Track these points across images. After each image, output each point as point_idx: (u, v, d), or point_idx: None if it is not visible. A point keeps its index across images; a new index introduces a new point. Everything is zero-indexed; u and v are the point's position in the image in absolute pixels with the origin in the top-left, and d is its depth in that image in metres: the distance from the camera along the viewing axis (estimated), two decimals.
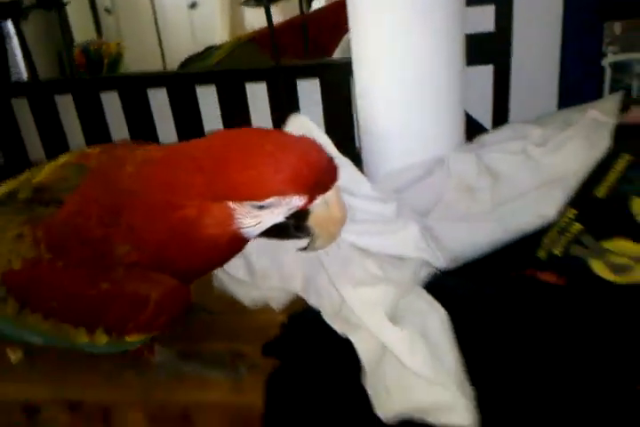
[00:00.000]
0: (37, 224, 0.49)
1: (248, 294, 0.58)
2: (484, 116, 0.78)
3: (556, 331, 0.46)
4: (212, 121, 0.89)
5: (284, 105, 0.80)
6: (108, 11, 1.07)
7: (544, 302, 0.50)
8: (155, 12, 1.03)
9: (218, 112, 0.88)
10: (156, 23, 1.02)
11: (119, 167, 0.48)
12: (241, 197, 0.43)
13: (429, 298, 0.47)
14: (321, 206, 0.45)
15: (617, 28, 0.70)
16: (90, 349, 0.52)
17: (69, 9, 1.01)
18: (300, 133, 0.50)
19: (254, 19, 1.01)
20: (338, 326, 0.47)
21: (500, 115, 0.78)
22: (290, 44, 0.94)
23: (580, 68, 0.72)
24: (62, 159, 0.53)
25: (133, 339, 0.50)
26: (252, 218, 0.44)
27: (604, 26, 0.70)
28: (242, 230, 0.45)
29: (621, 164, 0.56)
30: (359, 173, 0.57)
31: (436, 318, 0.44)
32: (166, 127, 0.91)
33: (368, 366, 0.44)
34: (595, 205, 0.55)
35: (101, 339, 0.50)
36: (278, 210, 0.45)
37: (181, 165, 0.44)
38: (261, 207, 0.44)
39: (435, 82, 0.62)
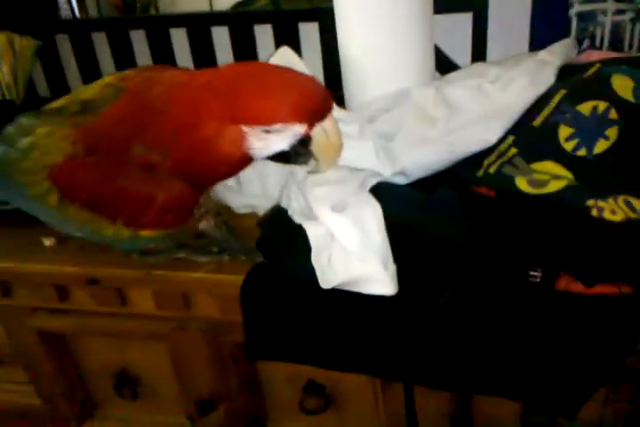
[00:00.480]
0: (79, 128, 0.58)
1: (235, 200, 0.70)
2: (466, 57, 0.87)
3: (478, 226, 0.57)
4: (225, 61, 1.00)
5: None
6: None
7: (476, 206, 0.60)
8: None
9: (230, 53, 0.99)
10: None
11: (150, 87, 0.57)
12: (252, 122, 0.52)
13: (369, 196, 0.58)
14: (320, 133, 0.53)
15: None
16: (115, 243, 0.63)
17: None
18: (284, 64, 0.60)
19: None
20: (297, 219, 0.59)
21: (479, 58, 0.86)
22: None
23: (548, 17, 0.79)
24: (105, 80, 0.63)
25: (148, 234, 0.59)
26: (261, 141, 0.53)
27: None
28: (251, 151, 0.54)
29: (557, 98, 0.64)
30: None
31: (370, 210, 0.55)
32: (186, 64, 1.02)
33: (315, 247, 0.56)
34: (530, 133, 0.63)
35: (122, 232, 0.59)
36: (283, 135, 0.53)
37: (202, 91, 0.54)
38: (268, 132, 0.53)
39: (405, 23, 0.71)
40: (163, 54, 1.01)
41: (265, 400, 0.80)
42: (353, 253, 0.53)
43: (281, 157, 0.56)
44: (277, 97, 0.52)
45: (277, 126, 0.52)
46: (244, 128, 0.53)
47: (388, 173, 0.62)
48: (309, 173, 0.60)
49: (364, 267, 0.53)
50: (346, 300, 0.58)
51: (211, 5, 1.01)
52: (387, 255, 0.54)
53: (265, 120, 0.52)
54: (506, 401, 0.69)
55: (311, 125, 0.53)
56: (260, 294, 0.62)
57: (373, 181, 0.61)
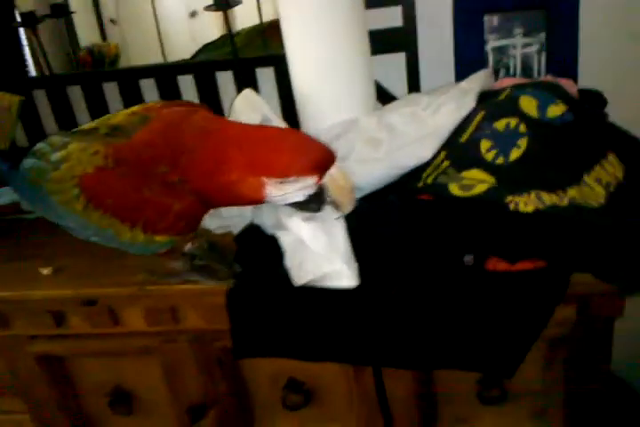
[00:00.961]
0: (109, 146, 0.66)
1: (213, 222, 0.80)
2: (402, 89, 1.01)
3: (419, 227, 0.68)
4: None
5: None
6: (112, 21, 1.18)
7: (416, 209, 0.72)
8: (157, 21, 1.14)
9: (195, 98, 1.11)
10: (159, 32, 1.13)
11: (180, 123, 0.68)
12: (270, 174, 0.62)
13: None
14: (330, 181, 0.64)
15: (494, 20, 0.92)
16: (129, 248, 0.69)
17: (77, 19, 1.16)
18: (248, 104, 0.72)
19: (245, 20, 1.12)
20: (270, 231, 0.69)
21: (414, 90, 0.99)
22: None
23: (469, 52, 0.93)
24: (132, 109, 0.72)
25: (161, 239, 0.67)
26: (278, 190, 0.63)
27: (485, 19, 0.92)
28: (269, 198, 0.64)
29: (478, 118, 0.77)
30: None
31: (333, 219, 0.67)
32: None
33: (288, 252, 0.66)
34: (458, 148, 0.75)
35: (139, 236, 0.67)
36: (298, 186, 0.63)
37: (231, 143, 0.64)
38: (283, 182, 0.62)
39: (348, 64, 0.84)
40: (135, 103, 1.11)
41: (250, 401, 0.88)
42: (321, 254, 0.64)
43: (296, 205, 0.66)
44: (291, 154, 0.63)
45: (291, 178, 0.62)
46: (264, 179, 0.63)
47: None
48: (336, 219, 0.68)
49: (330, 266, 0.64)
50: (316, 297, 0.68)
51: (164, 56, 1.14)
52: (349, 255, 0.65)
53: (281, 174, 0.62)
54: (462, 378, 0.80)
55: (321, 176, 0.63)
56: (243, 299, 0.71)
57: None
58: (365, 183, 0.77)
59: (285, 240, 0.67)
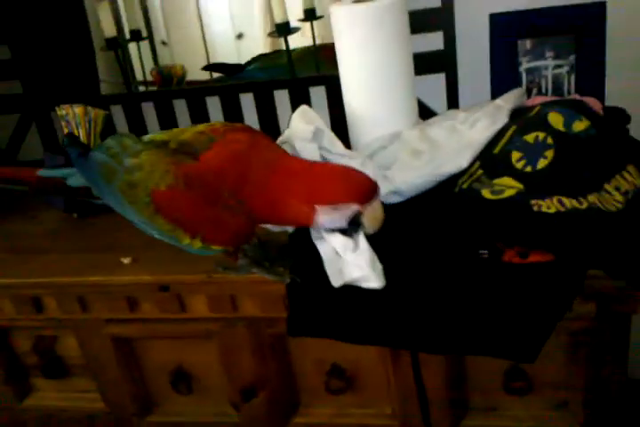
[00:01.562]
0: (180, 165, 0.74)
1: None
2: (442, 107, 1.10)
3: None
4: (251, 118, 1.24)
5: None
6: (164, 43, 1.29)
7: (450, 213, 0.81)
8: (205, 43, 1.24)
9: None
10: (207, 53, 1.24)
11: (245, 153, 0.75)
12: (323, 202, 0.71)
13: None
14: (369, 210, 0.71)
15: (527, 44, 1.01)
16: (187, 249, 0.78)
17: (133, 46, 1.28)
18: (304, 119, 0.83)
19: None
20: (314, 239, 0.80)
21: (453, 107, 1.09)
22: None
23: (503, 73, 1.02)
24: (200, 128, 0.79)
25: (216, 248, 0.77)
26: (326, 215, 0.71)
27: (518, 43, 1.01)
28: (316, 224, 0.72)
29: (510, 132, 0.85)
30: (337, 139, 0.89)
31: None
32: None
33: (326, 260, 0.77)
34: (491, 158, 0.84)
35: (197, 244, 0.76)
36: (343, 213, 0.70)
37: (291, 178, 0.72)
38: (334, 209, 0.70)
39: (393, 84, 0.94)
40: (200, 118, 1.24)
41: (297, 384, 0.97)
42: (350, 262, 0.75)
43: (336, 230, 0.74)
44: (343, 184, 0.71)
45: (340, 205, 0.70)
46: (317, 206, 0.71)
47: (383, 191, 0.83)
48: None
49: (359, 271, 0.75)
50: (358, 289, 0.78)
51: (211, 75, 1.26)
52: (373, 260, 0.75)
53: (333, 201, 0.71)
54: (491, 370, 0.88)
55: (363, 205, 0.71)
56: (299, 289, 0.81)
57: None
58: (406, 189, 0.87)
59: (322, 249, 0.78)
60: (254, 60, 1.25)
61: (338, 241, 0.77)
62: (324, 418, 0.99)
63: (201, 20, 1.24)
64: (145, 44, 1.29)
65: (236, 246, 0.82)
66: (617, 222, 0.72)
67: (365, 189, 0.71)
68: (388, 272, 0.77)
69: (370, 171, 0.84)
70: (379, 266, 0.76)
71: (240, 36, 1.24)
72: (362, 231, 0.74)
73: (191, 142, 0.77)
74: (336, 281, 0.77)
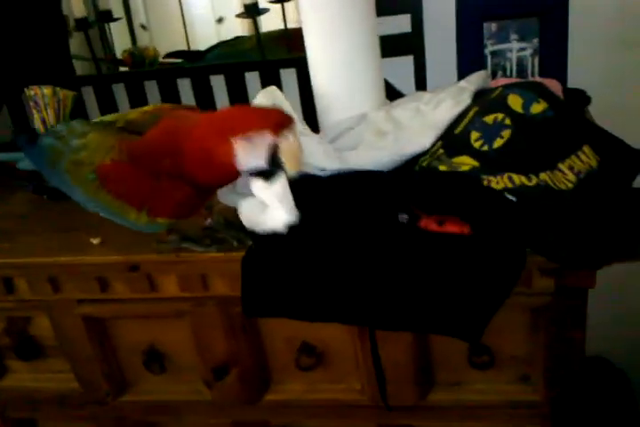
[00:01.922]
0: (124, 141, 0.78)
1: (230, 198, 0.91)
2: (410, 89, 1.12)
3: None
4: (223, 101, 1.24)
5: None
6: (143, 27, 1.30)
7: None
8: (185, 27, 1.25)
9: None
10: (187, 37, 1.25)
11: (180, 122, 0.78)
12: (236, 134, 0.70)
13: None
14: (285, 144, 0.70)
15: (492, 26, 1.03)
16: (134, 226, 0.80)
17: (111, 25, 1.28)
18: (270, 100, 0.83)
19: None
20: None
21: (421, 89, 1.11)
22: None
23: (469, 56, 1.04)
24: (145, 108, 0.84)
25: (162, 221, 0.79)
26: (245, 151, 0.71)
27: (484, 25, 1.03)
28: (238, 163, 0.72)
29: (471, 113, 0.87)
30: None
31: None
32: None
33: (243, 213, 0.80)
34: (452, 138, 0.86)
35: (143, 218, 0.78)
36: (259, 145, 0.70)
37: (202, 124, 0.74)
38: (248, 140, 0.70)
39: (359, 65, 0.95)
40: (171, 100, 1.25)
41: (268, 362, 0.99)
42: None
43: (257, 174, 0.75)
44: (253, 117, 0.73)
45: (254, 135, 0.70)
46: (232, 140, 0.71)
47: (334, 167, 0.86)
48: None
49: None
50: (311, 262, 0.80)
51: (187, 40, 1.25)
52: (286, 195, 0.77)
53: (245, 130, 0.71)
54: (454, 345, 0.90)
55: (276, 134, 0.71)
56: (255, 264, 0.83)
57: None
58: (372, 168, 0.88)
59: (242, 205, 0.81)
60: (214, 46, 1.27)
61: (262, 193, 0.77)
62: (295, 394, 1.01)
63: (181, 4, 1.24)
64: (124, 27, 1.29)
65: (180, 219, 0.82)
66: (563, 200, 0.75)
67: (277, 118, 0.71)
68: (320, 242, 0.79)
69: (325, 150, 0.86)
70: (290, 201, 0.76)
71: (220, 20, 1.25)
72: (283, 175, 0.74)
73: (137, 121, 0.81)
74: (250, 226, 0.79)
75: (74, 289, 0.95)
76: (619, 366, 1.36)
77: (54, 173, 0.84)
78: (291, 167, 0.72)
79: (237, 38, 1.26)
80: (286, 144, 0.71)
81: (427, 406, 0.96)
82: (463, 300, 0.75)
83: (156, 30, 1.30)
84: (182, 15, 1.25)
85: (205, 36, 1.28)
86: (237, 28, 1.26)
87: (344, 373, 0.98)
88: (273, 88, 0.95)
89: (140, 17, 1.29)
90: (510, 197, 0.76)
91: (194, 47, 1.27)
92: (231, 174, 0.77)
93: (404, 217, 0.77)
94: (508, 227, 0.74)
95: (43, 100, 1.02)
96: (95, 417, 1.11)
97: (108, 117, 0.86)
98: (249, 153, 0.72)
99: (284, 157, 0.72)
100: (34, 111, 1.03)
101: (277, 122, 0.71)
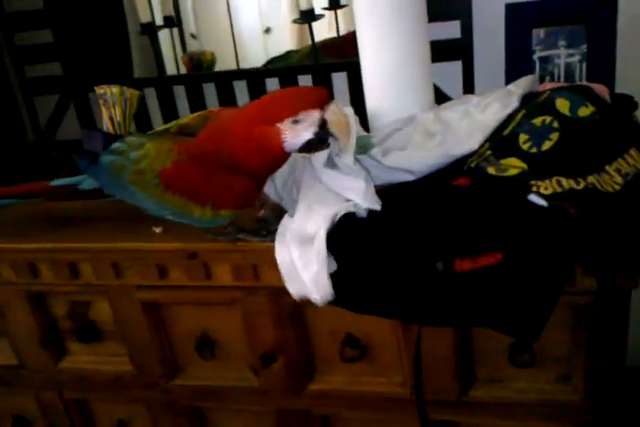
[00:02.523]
0: (180, 143, 0.84)
1: None
2: (459, 93, 1.15)
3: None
4: None
5: None
6: (193, 36, 1.36)
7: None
8: (233, 37, 1.30)
9: None
10: (235, 46, 1.30)
11: (227, 117, 0.84)
12: (282, 118, 0.75)
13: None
14: (330, 114, 0.75)
15: (541, 33, 1.05)
16: (199, 223, 0.87)
17: (161, 34, 1.35)
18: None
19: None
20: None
21: (468, 93, 1.13)
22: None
23: (518, 61, 1.07)
24: (198, 113, 0.91)
25: (226, 213, 0.85)
26: (292, 131, 0.76)
27: (532, 32, 1.05)
28: (286, 143, 0.77)
29: (519, 116, 0.90)
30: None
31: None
32: None
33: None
34: (500, 140, 0.89)
35: (207, 213, 0.84)
36: (307, 124, 0.75)
37: (250, 116, 0.79)
38: (296, 122, 0.75)
39: (411, 70, 0.99)
40: (227, 101, 1.31)
41: (313, 352, 1.03)
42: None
43: (307, 148, 0.79)
44: (294, 98, 0.78)
45: (300, 116, 0.75)
46: (278, 125, 0.77)
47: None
48: (336, 155, 0.83)
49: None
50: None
51: (237, 63, 1.32)
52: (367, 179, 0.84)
53: (290, 114, 0.76)
54: (496, 343, 0.93)
55: (322, 109, 0.75)
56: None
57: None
58: (419, 168, 0.92)
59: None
60: (268, 62, 1.32)
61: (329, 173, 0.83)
62: (338, 385, 1.04)
63: (230, 14, 1.30)
64: (175, 37, 1.36)
65: (241, 209, 0.87)
66: (613, 203, 0.77)
67: (316, 94, 0.76)
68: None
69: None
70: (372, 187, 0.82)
71: (268, 31, 1.31)
72: (337, 146, 0.78)
73: (190, 124, 0.87)
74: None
75: (134, 275, 1.02)
76: None
77: (119, 187, 0.90)
78: (343, 140, 0.77)
79: (288, 53, 1.31)
80: (331, 114, 0.75)
81: (467, 402, 0.99)
82: (522, 301, 0.78)
83: (206, 39, 1.36)
84: (231, 25, 1.30)
85: (253, 46, 1.33)
86: (285, 38, 1.31)
87: (387, 366, 1.01)
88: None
89: (190, 26, 1.35)
90: (541, 201, 0.79)
91: (242, 57, 1.32)
92: (280, 158, 0.83)
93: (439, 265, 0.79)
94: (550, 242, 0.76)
95: (112, 98, 1.10)
96: (146, 400, 1.17)
97: (162, 127, 0.92)
98: (297, 134, 0.77)
99: (334, 129, 0.76)
100: (102, 109, 1.12)
101: (317, 97, 0.76)
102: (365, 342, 1.00)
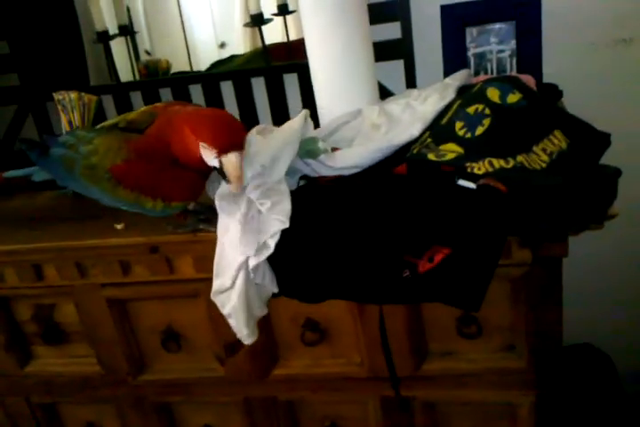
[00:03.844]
0: (130, 141, 0.89)
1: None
2: (402, 90, 1.22)
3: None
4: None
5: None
6: (147, 53, 1.40)
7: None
8: (188, 52, 1.34)
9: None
10: (190, 61, 1.35)
11: (171, 116, 0.89)
12: (200, 139, 0.82)
13: None
14: (225, 161, 0.81)
15: (474, 31, 1.14)
16: (151, 213, 0.91)
17: (115, 50, 1.37)
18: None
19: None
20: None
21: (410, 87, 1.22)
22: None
23: (454, 58, 1.15)
24: (143, 108, 0.96)
25: (176, 205, 0.91)
26: (205, 153, 0.83)
27: (466, 30, 1.14)
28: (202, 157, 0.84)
29: (455, 105, 0.97)
30: None
31: None
32: None
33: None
34: (439, 128, 0.96)
35: (159, 205, 0.90)
36: (210, 154, 0.81)
37: (186, 125, 0.84)
38: (205, 148, 0.81)
39: (354, 68, 1.06)
40: None
41: (275, 338, 1.08)
42: None
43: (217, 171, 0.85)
44: (211, 131, 0.82)
45: (206, 146, 0.82)
46: (199, 142, 0.83)
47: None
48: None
49: None
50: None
51: (190, 66, 1.36)
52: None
53: (203, 139, 0.82)
54: (445, 317, 0.99)
55: (219, 153, 0.81)
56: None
57: None
58: (366, 162, 0.97)
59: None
60: (212, 66, 1.37)
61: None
62: (300, 369, 1.09)
63: (184, 30, 1.34)
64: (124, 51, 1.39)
65: (191, 200, 0.93)
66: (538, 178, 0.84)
67: (225, 141, 0.81)
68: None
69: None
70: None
71: (222, 46, 1.35)
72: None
73: (137, 120, 0.93)
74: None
75: (98, 274, 1.04)
76: (605, 352, 1.44)
77: (71, 179, 0.95)
78: (231, 179, 0.83)
79: (232, 57, 1.36)
80: (226, 162, 0.82)
81: (422, 375, 1.05)
82: (463, 274, 0.85)
83: (160, 56, 1.40)
84: (186, 41, 1.35)
85: (208, 62, 1.36)
86: (239, 52, 1.34)
87: (345, 347, 1.06)
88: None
89: (144, 42, 1.39)
90: (469, 184, 0.86)
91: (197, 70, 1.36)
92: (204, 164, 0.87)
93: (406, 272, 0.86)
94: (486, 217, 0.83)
95: (70, 104, 1.14)
96: (115, 399, 1.19)
97: (110, 121, 0.97)
98: (206, 156, 0.84)
99: (226, 170, 0.83)
100: (61, 114, 1.15)
101: (224, 145, 0.81)
102: (325, 326, 1.05)
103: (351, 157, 0.97)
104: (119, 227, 1.02)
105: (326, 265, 0.90)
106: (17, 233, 1.07)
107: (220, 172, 0.84)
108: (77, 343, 1.17)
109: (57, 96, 1.14)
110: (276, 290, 0.93)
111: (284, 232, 0.87)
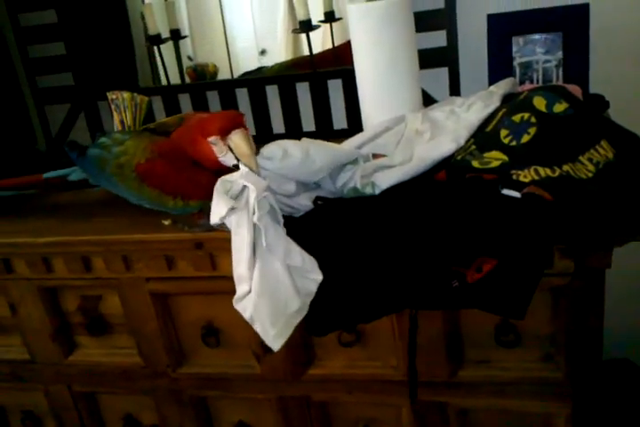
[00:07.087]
0: (155, 143, 0.96)
1: None
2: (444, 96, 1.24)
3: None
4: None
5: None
6: (190, 58, 1.44)
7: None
8: (229, 59, 1.38)
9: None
10: (231, 69, 1.38)
11: (194, 121, 0.96)
12: (205, 135, 0.89)
13: None
14: (231, 142, 0.87)
15: (520, 41, 1.14)
16: (172, 211, 0.98)
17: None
18: None
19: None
20: None
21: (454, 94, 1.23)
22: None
23: (499, 67, 1.15)
24: (178, 115, 1.04)
25: (194, 204, 0.96)
26: (217, 150, 0.89)
27: (512, 40, 1.14)
28: (219, 159, 0.90)
29: (500, 113, 0.98)
30: None
31: None
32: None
33: None
34: (484, 136, 0.97)
35: (179, 203, 0.95)
36: (217, 148, 0.88)
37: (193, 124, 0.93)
38: (213, 143, 0.88)
39: (399, 75, 1.07)
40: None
41: (312, 338, 1.09)
42: None
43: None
44: (210, 123, 0.89)
45: (212, 139, 0.88)
46: (209, 139, 0.89)
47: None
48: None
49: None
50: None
51: (231, 72, 1.40)
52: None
53: (206, 135, 0.89)
54: (483, 325, 0.99)
55: (222, 136, 0.88)
56: None
57: None
58: (413, 165, 0.99)
59: None
60: (241, 77, 1.41)
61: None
62: (336, 370, 1.10)
63: (226, 36, 1.38)
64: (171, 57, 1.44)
65: (208, 200, 0.95)
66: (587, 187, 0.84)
67: (221, 124, 0.88)
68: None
69: None
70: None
71: (263, 52, 1.38)
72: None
73: (167, 123, 1.02)
74: None
75: (143, 267, 1.08)
76: None
77: (102, 178, 1.02)
78: (245, 160, 0.88)
79: (260, 68, 1.40)
80: (232, 142, 0.87)
81: (457, 382, 1.05)
82: (509, 284, 0.86)
83: (201, 61, 1.45)
84: (227, 47, 1.39)
85: (248, 68, 1.40)
86: (279, 59, 1.38)
87: (381, 350, 1.07)
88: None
89: (187, 50, 1.43)
90: (514, 193, 0.86)
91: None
92: (219, 165, 0.93)
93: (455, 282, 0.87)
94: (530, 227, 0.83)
95: (123, 103, 1.18)
96: (153, 390, 1.22)
97: (149, 125, 1.05)
98: (217, 151, 0.90)
99: (237, 153, 0.88)
100: (114, 113, 1.19)
101: (222, 125, 0.88)
102: (361, 327, 1.06)
103: (397, 176, 0.97)
104: (166, 223, 1.05)
105: (374, 279, 0.91)
106: (67, 225, 1.12)
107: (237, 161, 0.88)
108: (120, 335, 1.20)
109: (110, 95, 1.18)
110: (319, 277, 0.92)
111: (330, 249, 0.91)
